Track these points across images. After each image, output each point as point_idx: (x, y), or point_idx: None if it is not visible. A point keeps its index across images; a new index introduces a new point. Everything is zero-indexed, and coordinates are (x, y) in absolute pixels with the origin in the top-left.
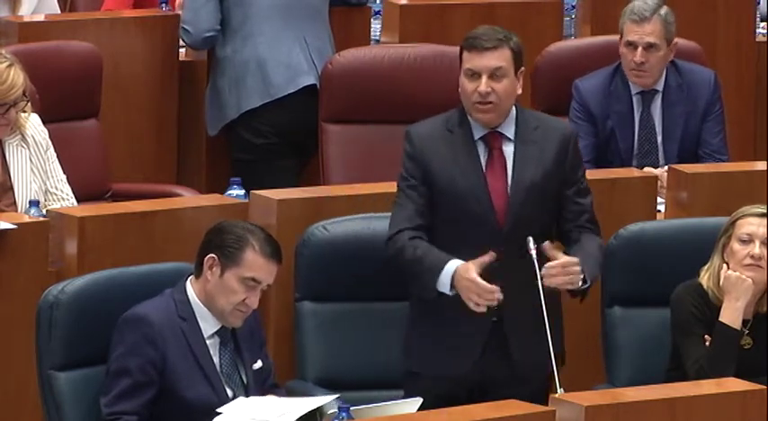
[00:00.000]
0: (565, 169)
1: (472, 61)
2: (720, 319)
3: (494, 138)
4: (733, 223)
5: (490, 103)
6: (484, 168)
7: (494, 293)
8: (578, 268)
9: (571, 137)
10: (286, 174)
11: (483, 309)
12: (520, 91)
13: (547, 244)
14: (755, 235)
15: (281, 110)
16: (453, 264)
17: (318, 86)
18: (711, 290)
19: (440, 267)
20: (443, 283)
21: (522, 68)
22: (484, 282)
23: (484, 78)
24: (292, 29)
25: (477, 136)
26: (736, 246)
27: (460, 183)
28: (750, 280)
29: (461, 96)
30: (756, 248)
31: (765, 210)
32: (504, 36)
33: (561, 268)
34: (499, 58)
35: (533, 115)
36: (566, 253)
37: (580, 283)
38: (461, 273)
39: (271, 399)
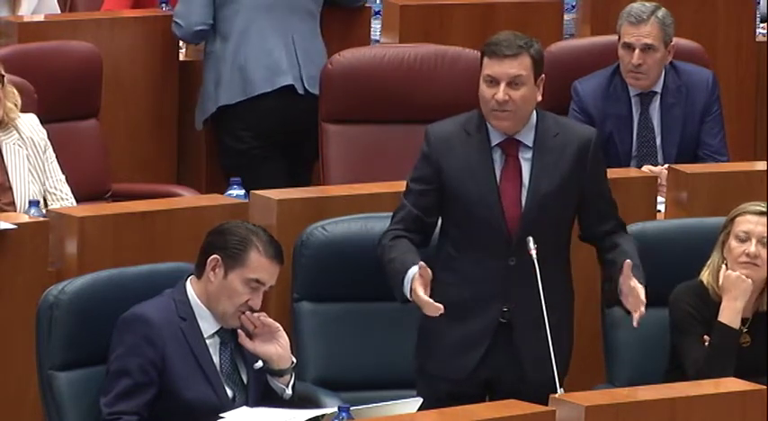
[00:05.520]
0: (585, 176)
1: (492, 68)
2: (719, 319)
3: (510, 146)
4: (732, 220)
5: (507, 110)
6: (498, 175)
7: (437, 311)
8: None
9: (590, 142)
10: (275, 178)
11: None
12: (539, 98)
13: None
14: (753, 233)
15: (254, 112)
16: (413, 271)
17: (297, 87)
18: (712, 286)
19: (402, 275)
20: (407, 292)
21: (543, 75)
22: (426, 299)
23: (502, 86)
24: (280, 28)
25: (494, 142)
26: (733, 243)
27: (472, 188)
28: (750, 280)
29: (480, 101)
30: (753, 247)
31: (764, 208)
32: (525, 43)
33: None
34: (519, 66)
35: (556, 121)
36: (606, 262)
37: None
38: (413, 287)
39: (273, 409)
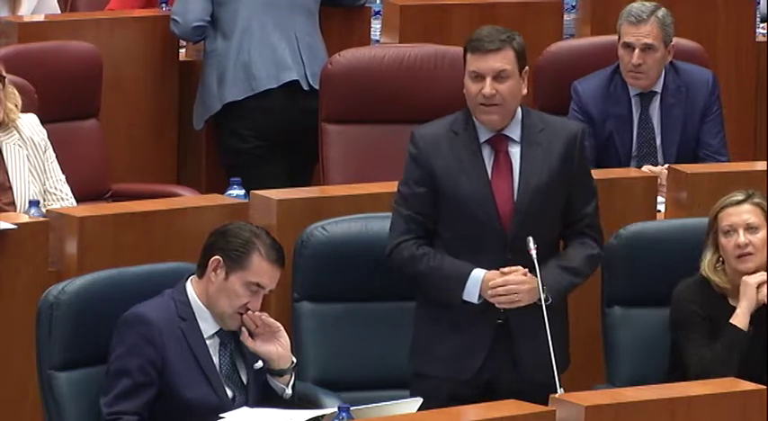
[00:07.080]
0: (571, 171)
1: (476, 63)
2: (732, 321)
3: (499, 141)
4: (715, 218)
5: (495, 104)
6: (489, 172)
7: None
8: (525, 286)
9: (577, 137)
10: (275, 178)
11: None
12: (525, 91)
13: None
14: (737, 224)
15: (259, 109)
16: (478, 274)
17: (302, 83)
18: (712, 280)
19: (464, 277)
20: (471, 293)
21: (527, 68)
22: (514, 277)
23: (488, 80)
24: (282, 25)
25: (482, 139)
26: (723, 240)
27: (465, 186)
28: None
29: (466, 98)
30: (741, 237)
31: (741, 196)
32: (507, 36)
33: (503, 288)
34: (503, 60)
35: (540, 117)
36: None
37: (543, 299)
38: (489, 283)
39: (273, 409)
